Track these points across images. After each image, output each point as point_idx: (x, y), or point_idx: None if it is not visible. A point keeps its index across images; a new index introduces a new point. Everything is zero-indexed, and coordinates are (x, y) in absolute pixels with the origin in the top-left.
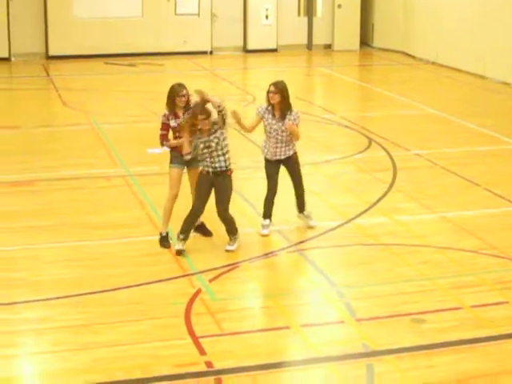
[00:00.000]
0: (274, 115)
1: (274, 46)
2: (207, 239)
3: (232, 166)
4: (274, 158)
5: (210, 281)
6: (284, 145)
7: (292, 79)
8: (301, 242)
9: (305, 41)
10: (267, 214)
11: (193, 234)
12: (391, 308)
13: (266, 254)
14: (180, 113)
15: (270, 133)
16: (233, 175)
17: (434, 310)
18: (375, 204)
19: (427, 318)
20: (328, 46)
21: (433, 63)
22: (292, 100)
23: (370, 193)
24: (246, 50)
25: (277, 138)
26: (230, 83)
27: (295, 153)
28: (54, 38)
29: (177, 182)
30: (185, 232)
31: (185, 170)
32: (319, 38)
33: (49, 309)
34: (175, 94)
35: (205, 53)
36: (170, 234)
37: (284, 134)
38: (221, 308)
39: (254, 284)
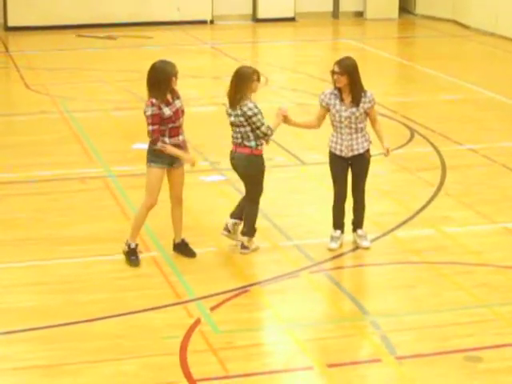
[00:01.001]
0: (342, 100)
1: (291, 14)
2: (207, 256)
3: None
4: (351, 154)
5: (212, 309)
6: (360, 135)
7: (314, 56)
8: (326, 261)
9: (330, 7)
10: (337, 224)
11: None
12: (439, 343)
13: (283, 276)
14: (170, 97)
15: (340, 122)
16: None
17: (494, 345)
18: (419, 212)
19: (485, 356)
20: (359, 14)
21: (491, 34)
22: (315, 82)
23: (413, 198)
24: (255, 19)
25: (351, 128)
26: (235, 61)
27: (369, 148)
28: (14, 4)
29: (157, 187)
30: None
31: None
32: (348, 4)
33: (5, 346)
34: (171, 74)
35: (204, 22)
36: (139, 247)
37: (358, 120)
38: (225, 343)
39: (266, 313)
